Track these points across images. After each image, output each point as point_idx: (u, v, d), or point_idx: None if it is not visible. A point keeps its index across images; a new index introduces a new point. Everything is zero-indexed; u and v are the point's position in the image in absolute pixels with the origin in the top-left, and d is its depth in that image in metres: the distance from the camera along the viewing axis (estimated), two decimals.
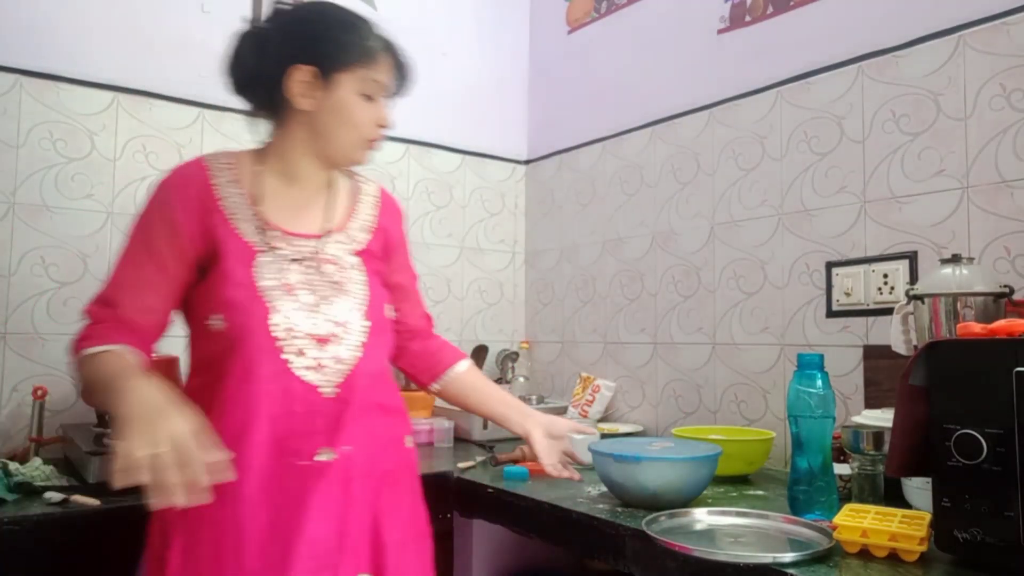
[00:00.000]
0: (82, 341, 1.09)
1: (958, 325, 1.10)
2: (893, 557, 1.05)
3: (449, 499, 1.68)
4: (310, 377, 1.14)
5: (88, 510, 1.32)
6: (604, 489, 1.48)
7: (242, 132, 2.09)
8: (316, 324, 1.16)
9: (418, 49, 2.53)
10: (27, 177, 1.87)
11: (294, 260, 1.19)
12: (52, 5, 1.91)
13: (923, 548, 1.03)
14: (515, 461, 1.69)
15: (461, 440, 2.13)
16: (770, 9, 2.01)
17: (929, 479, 1.07)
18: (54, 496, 1.38)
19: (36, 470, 1.50)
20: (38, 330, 1.87)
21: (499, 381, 2.51)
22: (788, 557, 1.05)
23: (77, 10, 1.95)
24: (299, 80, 1.16)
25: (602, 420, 2.30)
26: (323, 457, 1.11)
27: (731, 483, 1.63)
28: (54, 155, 1.91)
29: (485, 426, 2.10)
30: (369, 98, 1.21)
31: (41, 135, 1.90)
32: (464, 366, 1.49)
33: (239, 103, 1.93)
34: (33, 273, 1.87)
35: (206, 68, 2.11)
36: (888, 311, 1.61)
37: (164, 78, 2.06)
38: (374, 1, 2.50)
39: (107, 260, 1.94)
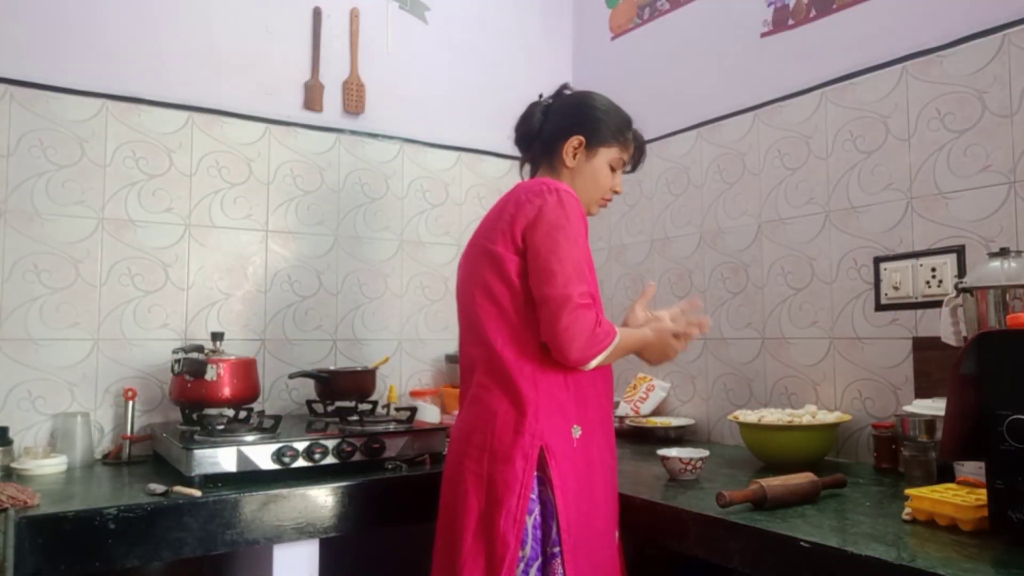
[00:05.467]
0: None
1: (1008, 316, 1.16)
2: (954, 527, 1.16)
3: None
4: None
5: (191, 500, 1.44)
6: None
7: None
8: None
9: (467, 60, 2.69)
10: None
11: None
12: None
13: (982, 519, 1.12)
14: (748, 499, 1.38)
15: None
16: (813, 12, 2.06)
17: (982, 463, 1.13)
18: (157, 487, 1.50)
19: None
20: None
21: None
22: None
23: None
24: (572, 145, 1.51)
25: (654, 414, 2.37)
26: None
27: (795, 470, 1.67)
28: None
29: None
30: (613, 170, 1.56)
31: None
32: None
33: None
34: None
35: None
36: (936, 304, 1.66)
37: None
38: (424, 15, 2.61)
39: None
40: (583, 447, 1.37)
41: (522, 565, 1.28)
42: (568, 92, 1.61)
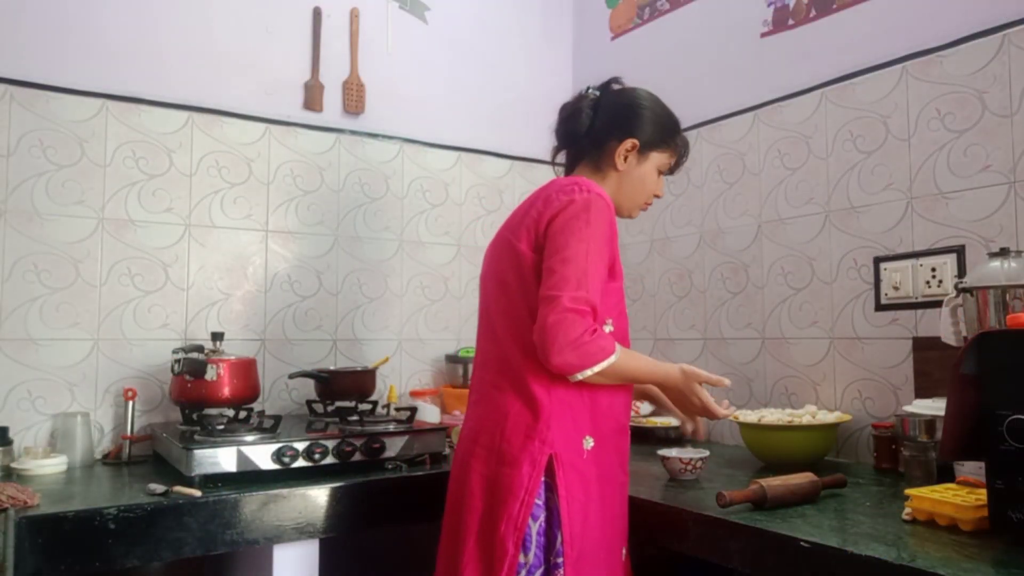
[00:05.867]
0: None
1: (1008, 316, 1.16)
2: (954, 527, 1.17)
3: None
4: None
5: (191, 500, 1.45)
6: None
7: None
8: None
9: (467, 60, 2.70)
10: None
11: None
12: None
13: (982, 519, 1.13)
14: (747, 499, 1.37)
15: None
16: (813, 12, 2.06)
17: (982, 463, 1.13)
18: (157, 487, 1.50)
19: None
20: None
21: None
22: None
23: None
24: (625, 148, 1.46)
25: (654, 414, 2.37)
26: None
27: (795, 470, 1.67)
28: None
29: None
30: (660, 174, 1.53)
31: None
32: None
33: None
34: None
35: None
36: (936, 304, 1.66)
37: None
38: (424, 15, 2.61)
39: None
40: (594, 459, 1.33)
41: (523, 572, 1.25)
42: (618, 87, 1.54)
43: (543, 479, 1.28)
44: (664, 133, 1.50)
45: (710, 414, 1.40)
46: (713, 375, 1.40)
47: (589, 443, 1.33)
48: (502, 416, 1.33)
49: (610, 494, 1.36)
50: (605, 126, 1.48)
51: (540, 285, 1.30)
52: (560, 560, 1.26)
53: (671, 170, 1.57)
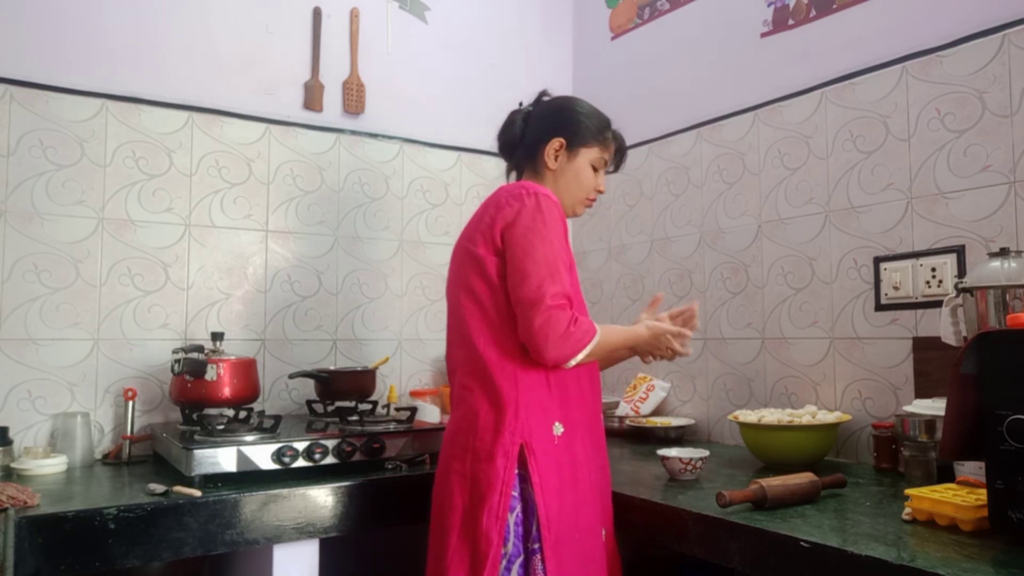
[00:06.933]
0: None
1: (1008, 316, 1.16)
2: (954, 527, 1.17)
3: None
4: None
5: (191, 500, 1.44)
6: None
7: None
8: None
9: (468, 60, 2.69)
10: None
11: None
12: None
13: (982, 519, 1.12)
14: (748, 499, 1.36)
15: None
16: (813, 12, 2.06)
17: (982, 463, 1.13)
18: (157, 487, 1.50)
19: None
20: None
21: None
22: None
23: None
24: (554, 147, 1.56)
25: (654, 414, 2.37)
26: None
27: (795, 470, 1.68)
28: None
29: None
30: (596, 170, 1.60)
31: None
32: None
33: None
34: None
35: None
36: (936, 304, 1.66)
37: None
38: (424, 15, 2.61)
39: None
40: (566, 445, 1.39)
41: (504, 562, 1.30)
42: (547, 98, 1.65)
43: (516, 471, 1.34)
44: (591, 129, 1.58)
45: (680, 354, 1.53)
46: (674, 327, 1.53)
47: (559, 429, 1.39)
48: (474, 416, 1.39)
49: (584, 477, 1.41)
50: (535, 132, 1.59)
51: (512, 287, 1.38)
52: (538, 545, 1.31)
53: (614, 167, 1.66)
